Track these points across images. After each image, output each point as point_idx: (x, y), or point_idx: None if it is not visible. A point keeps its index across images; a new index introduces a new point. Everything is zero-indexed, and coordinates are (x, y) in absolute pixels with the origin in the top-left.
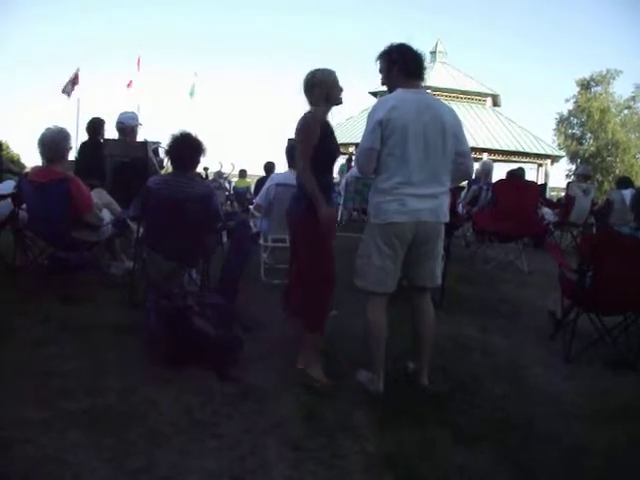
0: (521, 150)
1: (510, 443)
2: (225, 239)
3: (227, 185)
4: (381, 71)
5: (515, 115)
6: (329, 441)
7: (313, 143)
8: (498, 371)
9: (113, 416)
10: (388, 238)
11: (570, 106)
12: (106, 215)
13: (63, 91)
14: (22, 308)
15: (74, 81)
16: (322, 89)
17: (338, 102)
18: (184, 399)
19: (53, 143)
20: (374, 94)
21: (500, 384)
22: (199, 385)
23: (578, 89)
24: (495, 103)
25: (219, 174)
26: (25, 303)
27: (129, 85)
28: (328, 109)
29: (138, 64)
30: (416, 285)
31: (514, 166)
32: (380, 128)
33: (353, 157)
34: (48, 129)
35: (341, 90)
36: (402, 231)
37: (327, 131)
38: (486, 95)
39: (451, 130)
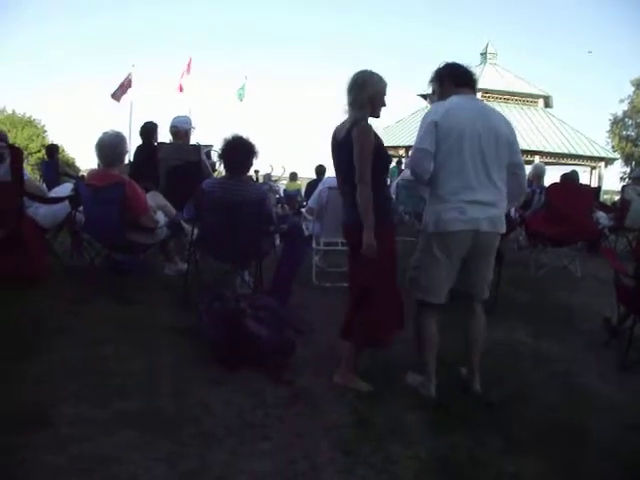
0: (574, 152)
1: (562, 452)
2: (278, 242)
3: (278, 188)
4: (434, 92)
5: (568, 117)
6: (380, 445)
7: (370, 153)
8: (551, 378)
9: (167, 417)
10: (446, 248)
11: (625, 107)
12: (160, 218)
13: (112, 96)
14: (79, 309)
15: (126, 85)
16: (367, 94)
17: (375, 114)
18: (236, 401)
19: (110, 147)
20: (424, 96)
21: (553, 391)
22: (251, 387)
23: (633, 89)
24: (547, 104)
25: (269, 177)
26: (82, 304)
27: (180, 89)
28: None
29: (188, 67)
30: (468, 292)
31: (566, 169)
32: (435, 129)
33: (403, 160)
34: (105, 133)
35: (383, 104)
36: (460, 240)
37: (379, 139)
38: (537, 96)
39: (505, 139)
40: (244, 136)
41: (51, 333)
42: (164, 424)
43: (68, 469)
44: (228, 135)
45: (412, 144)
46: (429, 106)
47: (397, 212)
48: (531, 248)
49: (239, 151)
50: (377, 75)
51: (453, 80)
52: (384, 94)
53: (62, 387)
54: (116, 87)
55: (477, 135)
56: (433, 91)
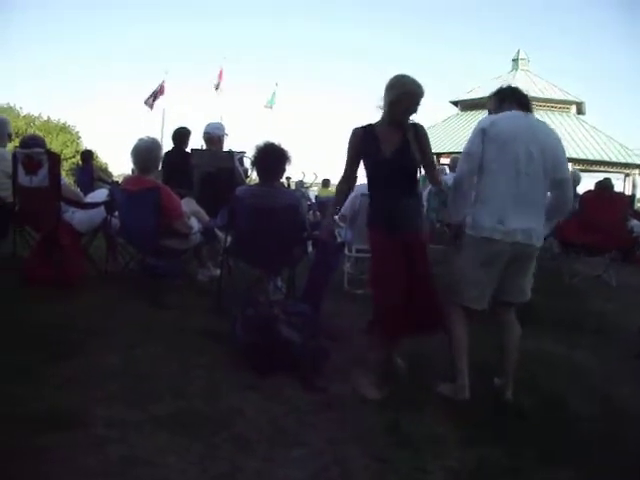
0: (607, 160)
1: (596, 464)
2: (310, 249)
3: (309, 194)
4: (490, 112)
5: (601, 123)
6: (412, 454)
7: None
8: (585, 389)
9: (199, 421)
10: (484, 254)
11: None
12: (194, 224)
13: (145, 103)
14: (113, 312)
15: (159, 92)
16: (388, 97)
17: (394, 118)
18: (269, 407)
19: (146, 153)
20: (455, 103)
21: (587, 402)
22: (284, 393)
23: None
24: (579, 111)
25: (301, 183)
26: (116, 307)
27: (216, 87)
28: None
29: (220, 76)
30: (503, 300)
31: (599, 176)
32: (482, 135)
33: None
34: (141, 140)
35: (408, 110)
36: (497, 249)
37: (366, 144)
38: (570, 103)
39: (551, 152)
40: (276, 142)
41: (86, 336)
42: (197, 428)
43: (102, 470)
44: (260, 142)
45: (443, 151)
46: (460, 112)
47: (428, 219)
48: (564, 256)
49: (271, 157)
50: (406, 80)
51: (516, 102)
52: (409, 100)
53: (96, 389)
54: (149, 94)
55: (523, 145)
56: (489, 110)
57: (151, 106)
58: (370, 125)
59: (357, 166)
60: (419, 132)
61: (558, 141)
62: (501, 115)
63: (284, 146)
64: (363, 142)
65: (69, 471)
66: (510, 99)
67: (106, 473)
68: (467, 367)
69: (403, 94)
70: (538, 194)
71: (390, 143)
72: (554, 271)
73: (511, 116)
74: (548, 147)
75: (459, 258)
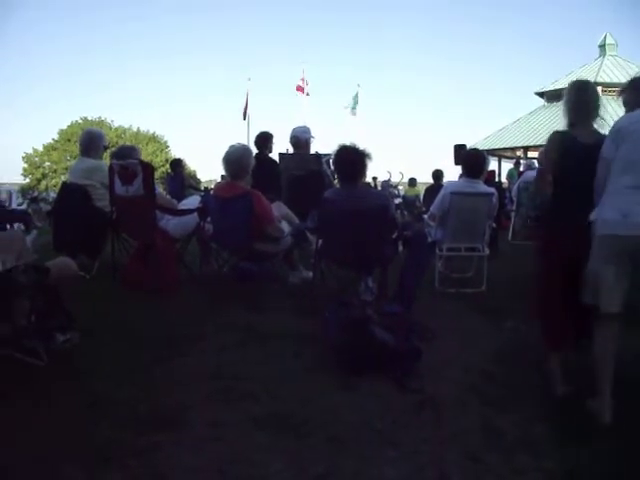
0: None
1: None
2: (401, 248)
3: (397, 193)
4: (626, 104)
5: None
6: (508, 455)
7: None
8: None
9: (296, 421)
10: (609, 251)
11: None
12: (285, 227)
13: (244, 117)
14: (208, 315)
15: (247, 101)
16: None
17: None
18: (363, 408)
19: (237, 160)
20: (540, 94)
21: None
22: (378, 394)
23: None
24: None
25: (388, 183)
26: (211, 311)
27: (301, 90)
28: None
29: (303, 80)
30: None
31: None
32: (614, 136)
33: (521, 162)
34: (232, 147)
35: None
36: (623, 244)
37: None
38: None
39: None
40: (352, 143)
41: (183, 339)
42: (293, 428)
43: (205, 468)
44: (339, 144)
45: (530, 144)
46: (546, 104)
47: (520, 214)
48: None
49: (350, 158)
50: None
51: None
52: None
53: (195, 390)
54: (244, 108)
55: None
56: (625, 102)
57: (244, 116)
58: None
59: None
60: None
61: None
62: (634, 112)
63: (363, 146)
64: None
65: (172, 471)
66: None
67: (207, 471)
68: (608, 383)
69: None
70: None
71: None
72: None
73: None
74: None
75: (591, 257)
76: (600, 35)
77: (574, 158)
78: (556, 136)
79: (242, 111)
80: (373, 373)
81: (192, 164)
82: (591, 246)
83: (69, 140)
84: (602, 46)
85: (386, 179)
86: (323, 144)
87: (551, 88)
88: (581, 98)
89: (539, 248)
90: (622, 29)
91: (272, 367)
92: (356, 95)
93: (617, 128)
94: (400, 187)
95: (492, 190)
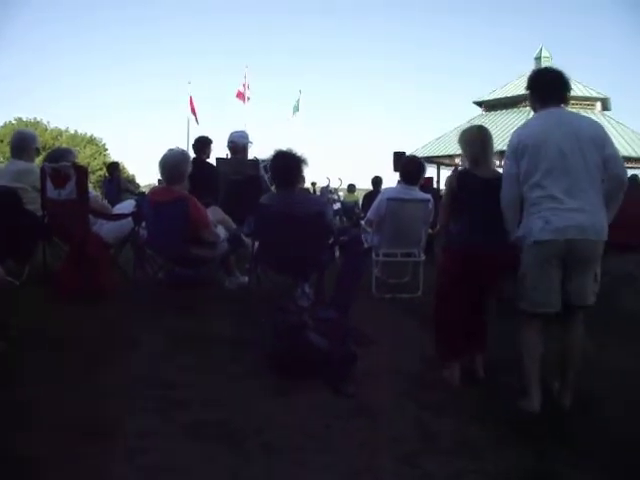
0: (634, 155)
1: (633, 464)
2: (337, 254)
3: (336, 199)
4: (533, 109)
5: (627, 119)
6: (446, 459)
7: None
8: (617, 390)
9: (230, 428)
10: (538, 257)
11: None
12: (221, 232)
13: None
14: (142, 322)
15: (192, 106)
16: None
17: None
18: (299, 413)
19: (174, 165)
20: (479, 104)
21: (622, 402)
22: (313, 400)
23: None
24: (605, 107)
25: (327, 189)
26: (145, 317)
27: (241, 97)
28: None
29: (244, 86)
30: (566, 302)
31: (627, 173)
32: (514, 153)
33: (460, 169)
34: (170, 151)
35: None
36: (552, 249)
37: None
38: (595, 99)
39: (588, 139)
40: (289, 149)
41: (117, 346)
42: (228, 435)
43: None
44: (275, 149)
45: None
46: (484, 113)
47: None
48: None
49: (286, 164)
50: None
51: (538, 95)
52: None
53: (129, 399)
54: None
55: (554, 145)
56: (532, 108)
57: (196, 120)
58: None
59: None
60: None
61: (596, 125)
62: (527, 123)
63: (300, 152)
64: None
65: None
66: (533, 94)
67: None
68: (537, 375)
69: None
70: (586, 186)
71: None
72: None
73: (537, 120)
74: (584, 134)
75: (521, 264)
76: (536, 48)
77: (473, 190)
78: (457, 173)
79: (190, 115)
80: (308, 378)
81: (132, 168)
82: (508, 260)
83: (1, 141)
84: (538, 58)
85: (325, 185)
86: (264, 150)
87: (489, 98)
88: (479, 142)
89: (441, 269)
90: (556, 43)
91: (207, 374)
92: (297, 101)
93: (515, 144)
94: (341, 193)
95: (428, 196)
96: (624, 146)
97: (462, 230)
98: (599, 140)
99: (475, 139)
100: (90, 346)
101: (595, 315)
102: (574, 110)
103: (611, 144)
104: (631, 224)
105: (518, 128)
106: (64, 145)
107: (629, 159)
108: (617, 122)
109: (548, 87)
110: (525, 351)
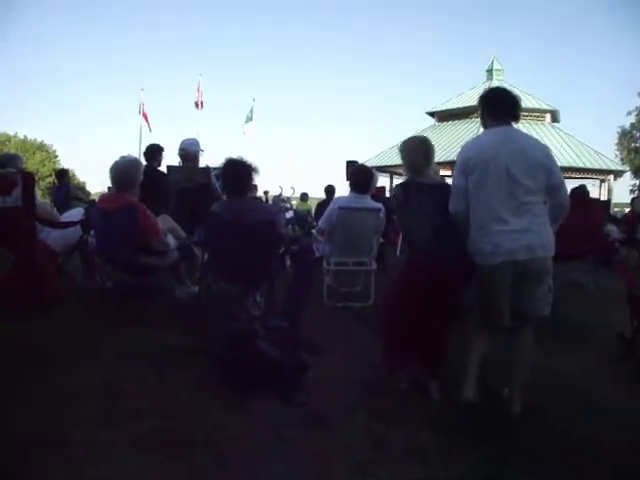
0: (582, 166)
1: (581, 467)
2: (288, 263)
3: (288, 208)
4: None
5: (575, 130)
6: (398, 466)
7: None
8: (566, 394)
9: (181, 439)
10: (490, 279)
11: (633, 119)
12: (171, 241)
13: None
14: (90, 331)
15: (144, 113)
16: None
17: None
18: (250, 423)
19: (124, 171)
20: (432, 114)
21: (569, 407)
22: (265, 409)
23: None
24: (554, 119)
25: (279, 198)
26: (93, 326)
27: (199, 105)
28: None
29: (199, 93)
30: (518, 313)
31: (575, 183)
32: (463, 167)
33: (402, 180)
34: (122, 158)
35: None
36: (502, 270)
37: None
38: (545, 111)
39: (535, 161)
40: (239, 157)
41: (64, 355)
42: (178, 446)
43: None
44: (226, 157)
45: None
46: (436, 124)
47: None
48: None
49: (236, 172)
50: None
51: (490, 112)
52: None
53: (76, 410)
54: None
55: (502, 164)
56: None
57: (149, 127)
58: None
59: None
60: None
61: (543, 147)
62: (477, 139)
63: (250, 160)
64: None
65: None
66: (484, 112)
67: None
68: (476, 368)
69: None
70: (531, 205)
71: None
72: None
73: (486, 137)
74: (531, 155)
75: (473, 282)
76: (488, 60)
77: (420, 197)
78: (401, 184)
79: (143, 122)
80: (260, 388)
81: (82, 176)
82: (468, 273)
83: None
84: (490, 71)
85: (277, 194)
86: (217, 158)
87: (442, 108)
88: (421, 152)
89: (395, 281)
90: (508, 55)
91: (157, 384)
92: (251, 110)
93: (466, 158)
94: (294, 202)
95: (379, 205)
96: (572, 157)
97: (419, 239)
98: (546, 164)
99: (417, 149)
100: (37, 355)
101: (543, 321)
102: (525, 122)
103: (557, 171)
104: (576, 233)
105: (468, 142)
106: (12, 151)
107: (577, 169)
108: (566, 133)
109: (500, 105)
110: (470, 349)
